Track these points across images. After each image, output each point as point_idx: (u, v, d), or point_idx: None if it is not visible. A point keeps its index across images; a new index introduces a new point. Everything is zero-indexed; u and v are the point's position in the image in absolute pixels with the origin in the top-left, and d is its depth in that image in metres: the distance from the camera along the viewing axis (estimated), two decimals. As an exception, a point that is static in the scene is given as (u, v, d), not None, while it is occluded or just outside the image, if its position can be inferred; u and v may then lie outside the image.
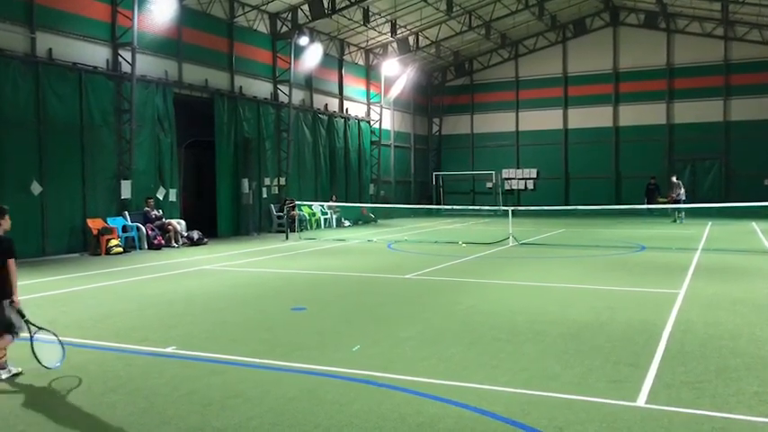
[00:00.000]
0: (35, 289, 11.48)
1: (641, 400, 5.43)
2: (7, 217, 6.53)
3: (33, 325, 6.55)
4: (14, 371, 6.42)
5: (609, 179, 36.71)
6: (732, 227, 24.32)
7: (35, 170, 16.87)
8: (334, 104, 30.86)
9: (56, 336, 6.59)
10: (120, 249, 17.55)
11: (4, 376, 6.30)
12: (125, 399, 5.65)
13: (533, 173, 38.86)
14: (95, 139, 18.52)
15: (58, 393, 5.86)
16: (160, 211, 19.91)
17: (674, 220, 27.62)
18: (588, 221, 28.33)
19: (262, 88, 25.64)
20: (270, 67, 26.15)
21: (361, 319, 8.98)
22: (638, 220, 28.90)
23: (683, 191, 27.57)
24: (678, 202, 27.13)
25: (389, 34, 31.29)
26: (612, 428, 4.85)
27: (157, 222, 19.41)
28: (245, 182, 23.98)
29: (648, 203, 29.26)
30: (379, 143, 34.37)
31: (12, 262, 6.40)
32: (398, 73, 34.47)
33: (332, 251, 18.21)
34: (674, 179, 28.07)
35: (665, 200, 28.89)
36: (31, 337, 6.50)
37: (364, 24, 28.65)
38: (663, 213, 29.19)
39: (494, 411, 5.19)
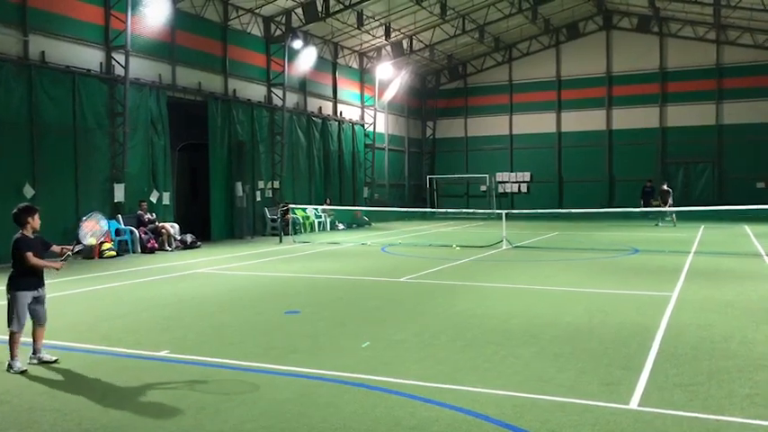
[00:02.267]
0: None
1: (634, 403, 5.45)
2: (37, 216, 7.01)
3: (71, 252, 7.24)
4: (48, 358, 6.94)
5: (602, 182, 36.84)
6: (724, 230, 24.43)
7: (28, 173, 16.80)
8: (328, 108, 30.88)
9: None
10: (114, 253, 17.49)
11: (17, 366, 6.65)
12: (118, 403, 5.64)
13: (527, 176, 38.94)
14: (88, 143, 18.47)
15: (51, 397, 5.83)
16: (153, 214, 19.86)
17: (657, 224, 27.90)
18: (581, 224, 28.39)
19: (256, 91, 25.63)
20: (264, 70, 26.15)
21: (355, 322, 8.98)
22: (632, 223, 28.98)
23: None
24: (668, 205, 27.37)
25: (383, 38, 31.34)
26: (605, 431, 4.86)
27: (151, 225, 19.36)
28: (239, 185, 23.94)
29: (644, 206, 29.39)
30: (373, 146, 34.38)
31: (24, 255, 6.81)
32: (392, 76, 34.50)
33: (326, 254, 18.20)
34: (664, 187, 28.19)
35: (658, 203, 29.02)
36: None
37: (358, 28, 28.66)
38: (657, 217, 29.28)
39: (487, 414, 5.20)
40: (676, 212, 27.31)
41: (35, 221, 6.97)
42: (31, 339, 6.93)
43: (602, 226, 27.58)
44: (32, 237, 6.96)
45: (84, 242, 7.27)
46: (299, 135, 28.13)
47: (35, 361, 6.87)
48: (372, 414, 5.25)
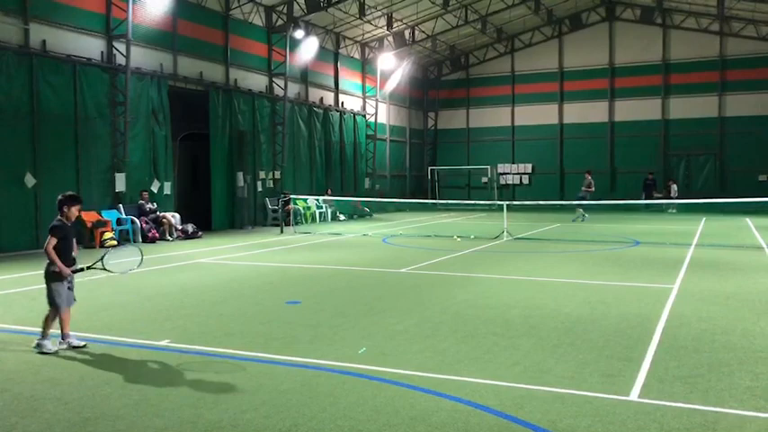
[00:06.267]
0: (29, 281, 11.45)
1: (634, 395, 5.45)
2: (74, 209, 7.21)
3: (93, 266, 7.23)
4: (76, 343, 7.06)
5: (604, 174, 36.74)
6: (726, 222, 24.41)
7: (29, 162, 16.79)
8: (329, 98, 30.80)
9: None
10: (115, 242, 17.49)
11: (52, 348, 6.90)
12: (119, 391, 5.65)
13: (529, 167, 38.90)
14: (90, 132, 18.44)
15: (52, 386, 5.84)
16: (155, 203, 19.86)
17: (578, 218, 25.89)
18: (583, 216, 28.33)
19: (257, 81, 25.56)
20: (265, 59, 26.07)
21: (355, 312, 8.99)
22: (633, 215, 28.98)
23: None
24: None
25: (385, 28, 31.22)
26: (605, 422, 4.87)
27: (152, 215, 19.37)
28: (240, 175, 23.92)
29: (646, 198, 29.36)
30: (374, 137, 34.33)
31: (48, 239, 7.03)
32: (394, 67, 34.40)
33: (327, 245, 18.20)
34: (588, 177, 26.83)
35: (661, 195, 29.01)
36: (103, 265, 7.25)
37: (360, 18, 28.55)
38: (659, 209, 29.26)
39: (487, 405, 5.21)
40: (678, 205, 27.28)
41: (71, 212, 7.16)
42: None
43: (604, 218, 27.56)
44: (69, 224, 7.16)
45: (106, 266, 7.26)
46: (300, 125, 28.08)
47: (64, 346, 7.01)
48: (372, 404, 5.26)
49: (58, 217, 7.14)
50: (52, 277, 7.00)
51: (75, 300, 7.31)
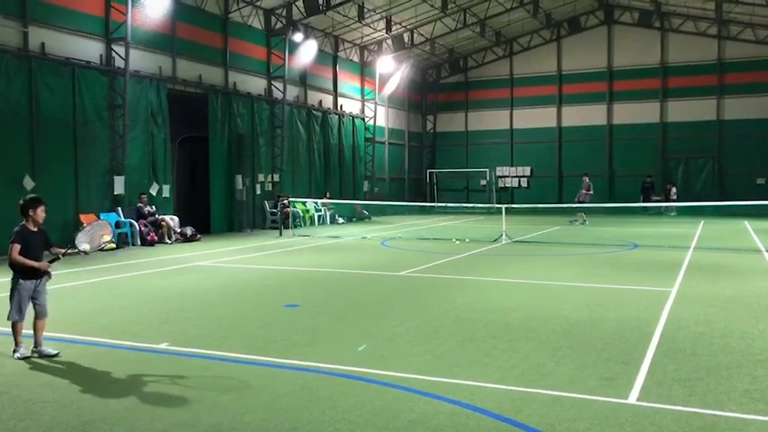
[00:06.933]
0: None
1: (633, 398, 5.45)
2: (40, 210, 6.98)
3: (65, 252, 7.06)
4: (50, 352, 6.87)
5: (602, 177, 36.75)
6: (724, 225, 24.44)
7: (28, 165, 16.78)
8: (328, 101, 30.82)
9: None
10: (113, 245, 17.47)
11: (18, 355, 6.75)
12: (117, 395, 5.64)
13: (527, 170, 38.94)
14: (89, 135, 18.44)
15: (51, 389, 5.83)
16: (153, 206, 19.85)
17: (575, 221, 26.14)
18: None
19: (256, 84, 25.58)
20: (264, 63, 26.09)
21: (354, 315, 8.98)
22: (632, 219, 29.01)
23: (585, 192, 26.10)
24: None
25: (384, 31, 31.27)
26: (604, 425, 4.87)
27: (151, 218, 19.36)
28: (239, 178, 23.93)
29: (644, 201, 29.43)
30: (373, 140, 34.34)
31: (10, 246, 6.79)
32: (393, 70, 34.43)
33: (326, 248, 18.20)
34: (586, 179, 26.32)
35: (659, 198, 29.07)
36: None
37: (359, 21, 28.61)
38: (657, 212, 29.28)
39: (486, 408, 5.21)
40: (677, 207, 27.36)
41: (36, 215, 6.92)
42: (32, 332, 6.91)
43: (602, 221, 27.58)
44: (35, 230, 6.92)
45: (80, 247, 7.12)
46: (299, 128, 28.10)
47: (36, 355, 6.82)
48: (371, 407, 5.26)
49: (22, 223, 6.89)
50: (16, 286, 6.77)
51: (47, 314, 6.95)
